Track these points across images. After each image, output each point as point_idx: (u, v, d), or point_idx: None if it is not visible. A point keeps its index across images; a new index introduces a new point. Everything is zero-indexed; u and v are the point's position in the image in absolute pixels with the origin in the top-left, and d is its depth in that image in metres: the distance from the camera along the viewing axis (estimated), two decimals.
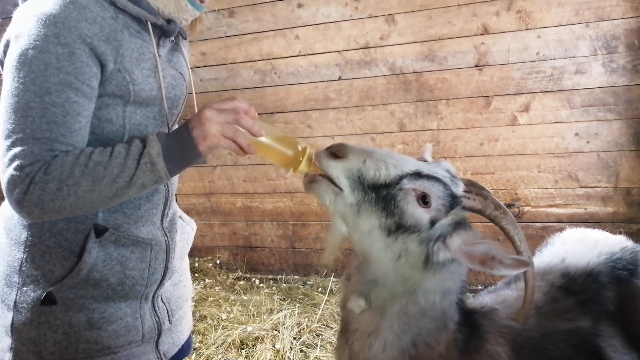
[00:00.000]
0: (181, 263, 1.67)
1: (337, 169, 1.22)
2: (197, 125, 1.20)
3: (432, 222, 1.20)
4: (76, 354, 1.32)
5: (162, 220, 1.49)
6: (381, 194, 1.20)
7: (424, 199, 1.20)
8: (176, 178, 1.57)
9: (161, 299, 1.54)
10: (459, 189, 1.25)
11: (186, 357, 1.74)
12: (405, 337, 1.24)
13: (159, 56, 1.38)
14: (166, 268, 1.49)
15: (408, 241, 1.20)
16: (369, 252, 1.25)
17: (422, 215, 1.20)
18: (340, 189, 1.22)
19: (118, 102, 1.29)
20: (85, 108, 1.21)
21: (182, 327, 1.65)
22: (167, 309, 1.56)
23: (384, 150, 1.28)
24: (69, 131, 1.18)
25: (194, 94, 1.59)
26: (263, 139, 1.26)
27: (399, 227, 1.20)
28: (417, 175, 1.22)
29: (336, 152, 1.23)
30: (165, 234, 1.50)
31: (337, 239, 1.29)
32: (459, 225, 1.22)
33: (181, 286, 1.67)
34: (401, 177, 1.21)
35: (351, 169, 1.21)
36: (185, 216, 1.74)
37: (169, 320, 1.56)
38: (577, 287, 1.48)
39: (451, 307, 1.27)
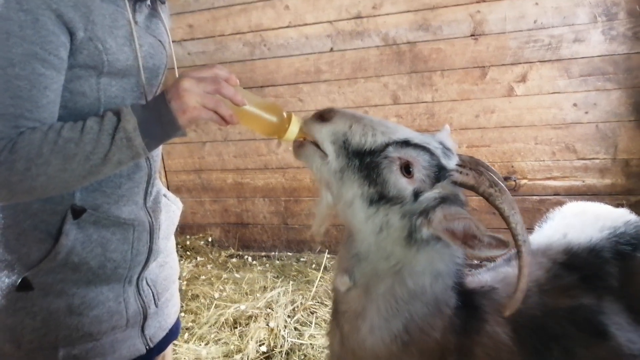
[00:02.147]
0: (167, 243, 1.60)
1: (322, 133, 1.17)
2: (175, 96, 1.13)
3: (416, 194, 1.14)
4: (56, 341, 1.28)
5: (145, 199, 1.43)
6: (365, 161, 1.15)
7: (407, 168, 1.14)
8: (159, 154, 1.52)
9: (146, 281, 1.49)
10: (451, 162, 1.19)
11: (177, 339, 1.69)
12: (395, 322, 1.19)
13: (135, 22, 1.29)
14: (150, 249, 1.44)
15: (390, 213, 1.15)
16: (352, 224, 1.20)
17: (404, 185, 1.14)
18: (326, 154, 1.17)
19: (91, 73, 1.21)
20: (54, 81, 1.13)
21: (169, 310, 1.60)
22: (152, 292, 1.50)
23: (376, 118, 1.22)
24: (35, 106, 1.10)
25: (177, 68, 1.49)
26: (246, 107, 1.19)
27: (381, 198, 1.15)
28: (405, 143, 1.16)
29: (323, 115, 1.18)
30: (149, 214, 1.44)
31: (324, 209, 1.25)
32: (446, 200, 1.14)
33: (167, 267, 1.61)
34: (387, 145, 1.15)
35: (336, 133, 1.16)
36: (170, 194, 1.67)
37: (154, 303, 1.51)
38: (579, 263, 1.45)
39: (445, 292, 1.21)
